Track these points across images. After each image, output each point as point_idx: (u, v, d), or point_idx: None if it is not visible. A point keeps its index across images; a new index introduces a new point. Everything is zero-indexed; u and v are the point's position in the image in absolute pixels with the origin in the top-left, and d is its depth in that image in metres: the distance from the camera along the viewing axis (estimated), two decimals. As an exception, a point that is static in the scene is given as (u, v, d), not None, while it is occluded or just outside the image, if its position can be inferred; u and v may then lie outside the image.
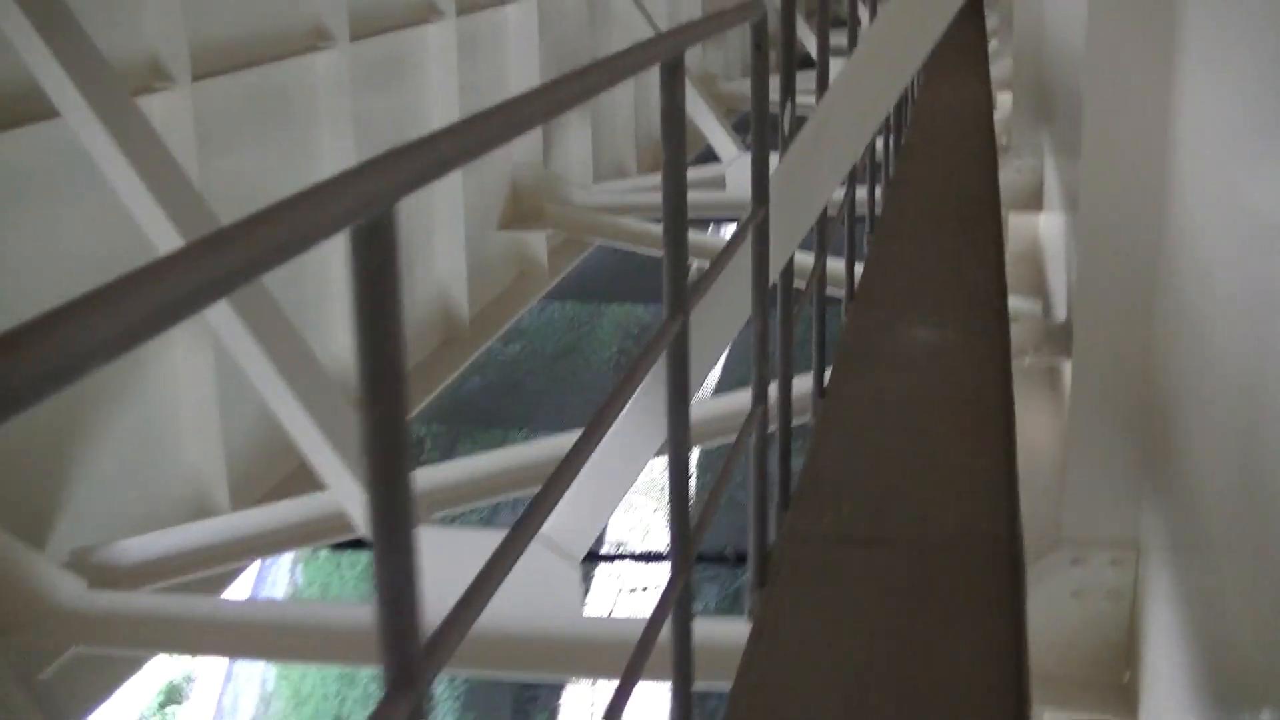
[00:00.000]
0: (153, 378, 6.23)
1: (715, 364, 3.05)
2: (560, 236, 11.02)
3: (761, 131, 3.13)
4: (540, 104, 1.59)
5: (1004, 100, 11.60)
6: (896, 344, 4.59)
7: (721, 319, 3.34)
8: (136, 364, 6.05)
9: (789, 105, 3.78)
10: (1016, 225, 8.84)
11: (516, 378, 23.78)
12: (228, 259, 0.87)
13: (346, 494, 4.83)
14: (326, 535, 5.60)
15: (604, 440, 1.93)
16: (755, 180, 3.14)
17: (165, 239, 4.96)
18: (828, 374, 4.18)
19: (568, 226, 10.92)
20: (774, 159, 3.26)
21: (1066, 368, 5.86)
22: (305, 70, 7.44)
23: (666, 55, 2.20)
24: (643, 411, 3.39)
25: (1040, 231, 8.87)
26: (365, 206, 1.05)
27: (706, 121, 11.36)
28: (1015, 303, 6.34)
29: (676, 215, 2.38)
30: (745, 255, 3.08)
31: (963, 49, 13.35)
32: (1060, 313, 6.96)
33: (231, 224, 0.89)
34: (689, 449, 2.47)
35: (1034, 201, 8.99)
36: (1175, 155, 4.36)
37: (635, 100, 13.50)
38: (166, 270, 0.80)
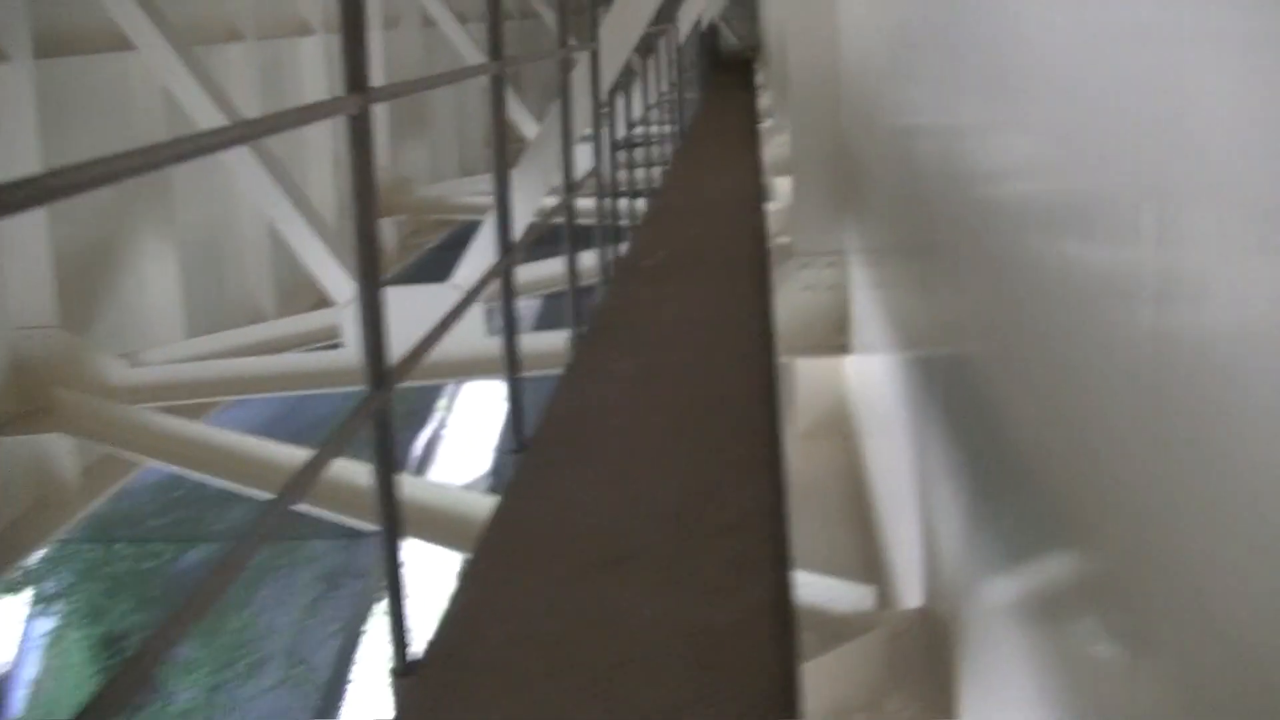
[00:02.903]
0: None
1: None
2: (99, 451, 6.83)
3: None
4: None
5: (784, 187, 8.78)
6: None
7: None
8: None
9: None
10: (809, 375, 6.02)
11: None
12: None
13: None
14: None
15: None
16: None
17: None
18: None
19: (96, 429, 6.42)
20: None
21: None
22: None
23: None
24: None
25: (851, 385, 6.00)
26: None
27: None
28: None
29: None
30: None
31: (727, 131, 11.71)
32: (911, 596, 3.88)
33: None
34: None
35: (836, 335, 6.02)
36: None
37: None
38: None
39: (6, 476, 6.38)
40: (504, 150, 3.39)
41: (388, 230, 12.48)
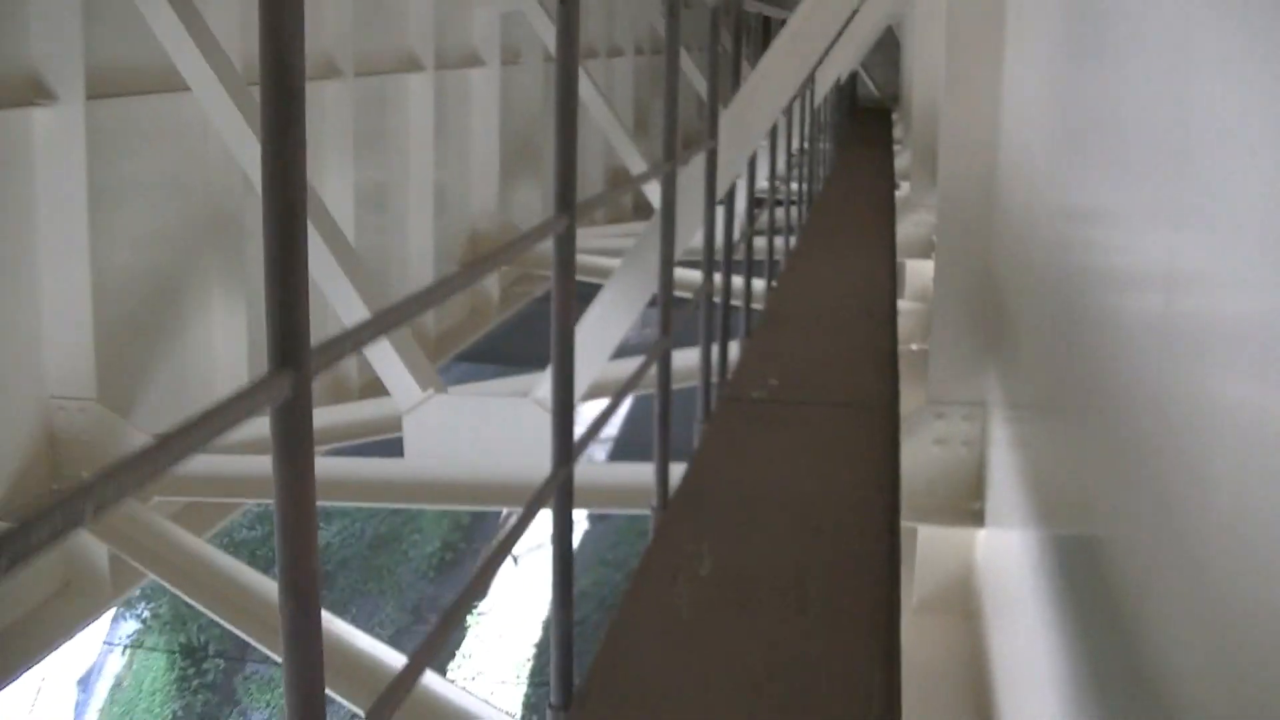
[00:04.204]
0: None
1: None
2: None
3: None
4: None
5: (920, 274, 9.35)
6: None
7: None
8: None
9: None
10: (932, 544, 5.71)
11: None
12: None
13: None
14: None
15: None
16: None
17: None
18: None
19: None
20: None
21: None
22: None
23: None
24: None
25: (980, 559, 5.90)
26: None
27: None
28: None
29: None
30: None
31: (860, 197, 11.20)
32: None
33: None
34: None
35: (966, 500, 5.70)
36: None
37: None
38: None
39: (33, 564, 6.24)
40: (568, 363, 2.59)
41: (490, 279, 11.81)
